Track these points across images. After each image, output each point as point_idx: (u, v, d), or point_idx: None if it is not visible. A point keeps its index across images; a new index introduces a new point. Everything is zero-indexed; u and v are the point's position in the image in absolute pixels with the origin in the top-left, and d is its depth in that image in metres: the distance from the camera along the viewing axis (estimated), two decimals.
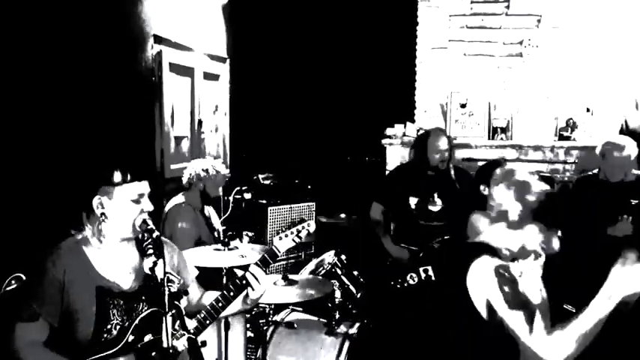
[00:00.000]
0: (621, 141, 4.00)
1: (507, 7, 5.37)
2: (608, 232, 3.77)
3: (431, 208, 4.28)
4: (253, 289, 2.36)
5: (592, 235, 3.77)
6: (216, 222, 4.43)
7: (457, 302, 2.36)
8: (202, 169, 4.05)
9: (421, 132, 4.76)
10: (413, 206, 4.30)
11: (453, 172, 4.27)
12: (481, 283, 2.20)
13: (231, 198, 5.04)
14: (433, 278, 3.91)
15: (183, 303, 2.09)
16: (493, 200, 2.38)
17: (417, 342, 3.38)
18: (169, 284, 1.99)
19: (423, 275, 3.93)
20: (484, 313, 2.19)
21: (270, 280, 2.49)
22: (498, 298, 2.13)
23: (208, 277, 2.89)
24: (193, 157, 5.19)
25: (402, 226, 4.41)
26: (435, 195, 4.29)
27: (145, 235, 2.13)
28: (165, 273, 1.99)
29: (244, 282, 2.36)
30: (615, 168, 3.94)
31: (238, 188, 5.18)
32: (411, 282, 3.99)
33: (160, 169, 4.75)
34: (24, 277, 2.70)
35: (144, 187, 2.19)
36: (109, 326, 2.12)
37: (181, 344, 2.00)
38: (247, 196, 5.25)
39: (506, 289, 2.14)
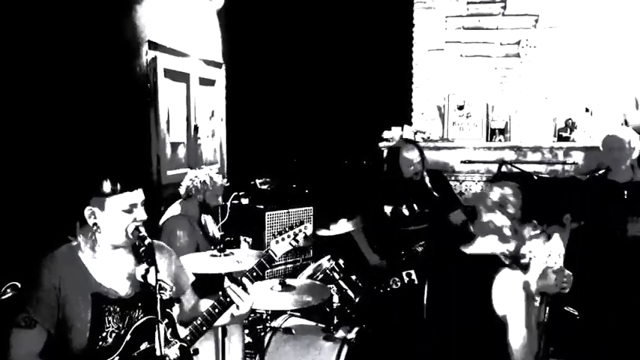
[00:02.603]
0: (622, 133, 3.99)
1: (504, 7, 5.34)
2: (630, 232, 3.72)
3: (406, 213, 4.23)
4: (237, 306, 2.29)
5: (605, 236, 3.75)
6: (213, 228, 4.40)
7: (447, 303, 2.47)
8: (200, 182, 4.03)
9: (391, 145, 4.72)
10: (388, 214, 4.25)
11: (428, 179, 4.19)
12: (507, 299, 2.28)
13: (228, 203, 5.01)
14: (416, 282, 3.92)
15: (175, 310, 2.06)
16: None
17: (414, 346, 3.35)
18: (161, 292, 1.96)
19: (406, 279, 3.94)
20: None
21: (257, 292, 2.37)
22: (520, 317, 2.24)
23: (204, 284, 2.86)
24: (190, 163, 5.17)
25: (381, 234, 4.34)
26: (408, 204, 4.24)
27: (139, 242, 2.10)
28: (157, 280, 1.95)
29: (228, 299, 2.27)
30: (618, 162, 3.91)
31: (235, 194, 5.17)
32: (394, 286, 3.97)
33: (156, 176, 4.71)
34: (20, 285, 2.67)
35: (136, 196, 2.14)
36: (104, 334, 2.08)
37: (173, 353, 1.96)
38: (245, 201, 5.24)
39: (529, 310, 2.29)
